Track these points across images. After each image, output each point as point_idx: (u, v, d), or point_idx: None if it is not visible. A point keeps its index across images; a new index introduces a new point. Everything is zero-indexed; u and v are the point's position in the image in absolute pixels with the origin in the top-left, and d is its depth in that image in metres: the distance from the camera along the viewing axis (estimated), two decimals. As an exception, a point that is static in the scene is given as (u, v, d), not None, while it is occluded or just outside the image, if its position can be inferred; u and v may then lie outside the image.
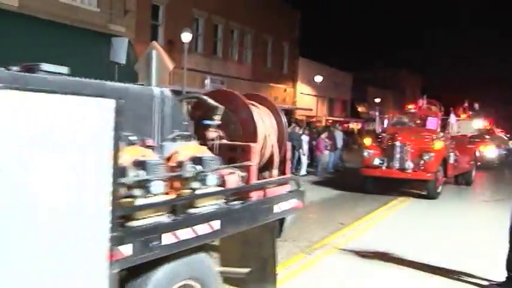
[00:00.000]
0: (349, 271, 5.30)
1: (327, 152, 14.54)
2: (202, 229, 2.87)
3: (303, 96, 31.17)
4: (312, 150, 14.90)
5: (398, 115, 13.06)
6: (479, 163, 15.02)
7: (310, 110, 29.52)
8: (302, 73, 30.40)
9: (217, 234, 3.00)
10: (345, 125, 28.85)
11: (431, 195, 11.02)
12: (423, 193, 11.37)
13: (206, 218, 2.92)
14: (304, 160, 14.49)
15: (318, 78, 28.52)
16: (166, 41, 18.52)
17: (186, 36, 15.47)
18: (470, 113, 15.84)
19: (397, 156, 11.31)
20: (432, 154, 11.05)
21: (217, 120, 3.39)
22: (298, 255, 5.92)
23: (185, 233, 2.74)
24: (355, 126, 34.07)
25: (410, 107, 13.07)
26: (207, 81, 20.67)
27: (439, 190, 11.31)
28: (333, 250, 6.15)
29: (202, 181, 2.91)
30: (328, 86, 32.86)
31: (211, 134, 3.36)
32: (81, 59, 11.57)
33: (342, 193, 11.32)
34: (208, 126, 3.37)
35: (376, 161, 11.44)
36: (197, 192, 2.86)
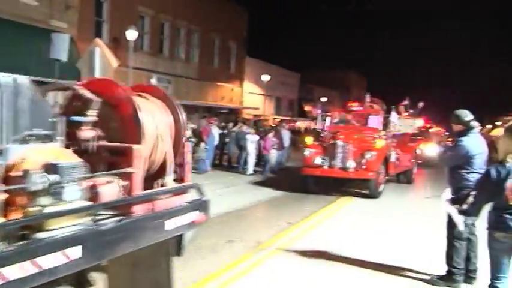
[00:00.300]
0: (295, 271, 5.27)
1: (274, 151, 14.16)
2: (52, 260, 2.23)
3: (250, 96, 30.62)
4: (259, 150, 14.62)
5: (341, 113, 12.60)
6: (419, 161, 14.68)
7: (257, 109, 29.12)
8: (249, 72, 29.92)
9: (78, 265, 2.36)
10: (292, 124, 28.34)
11: (373, 194, 10.66)
12: (365, 192, 11.07)
13: (59, 244, 2.28)
14: (251, 160, 14.09)
15: (265, 78, 28.16)
16: (111, 39, 17.95)
17: (132, 34, 15.03)
18: (411, 111, 15.54)
19: (339, 155, 10.87)
20: (374, 153, 10.64)
21: (91, 116, 2.52)
22: (245, 255, 5.83)
23: (19, 269, 2.05)
24: (302, 125, 33.67)
25: (353, 105, 12.54)
26: (153, 80, 19.80)
27: (380, 189, 10.97)
28: (280, 250, 6.09)
29: (57, 195, 2.06)
30: (276, 85, 32.48)
31: (85, 133, 2.52)
32: (20, 55, 10.85)
33: (287, 193, 11.00)
34: (80, 123, 2.49)
35: (318, 160, 10.92)
36: (48, 210, 1.98)
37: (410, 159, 13.28)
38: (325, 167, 10.90)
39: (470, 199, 3.88)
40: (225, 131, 15.73)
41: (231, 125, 16.85)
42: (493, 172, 3.47)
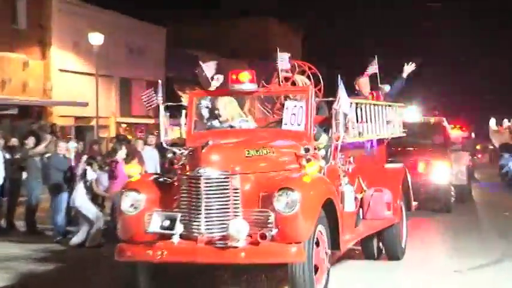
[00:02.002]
0: None
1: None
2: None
3: (66, 77, 29.06)
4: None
5: (218, 98, 9.64)
6: (416, 203, 12.04)
7: (84, 104, 27.99)
8: (61, 29, 28.52)
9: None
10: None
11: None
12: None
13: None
14: (89, 214, 13.05)
15: (96, 38, 27.11)
16: None
17: None
18: (387, 87, 12.18)
19: (208, 205, 7.83)
20: (296, 195, 7.72)
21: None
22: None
23: None
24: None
25: (244, 78, 9.20)
26: None
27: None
28: None
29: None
30: (120, 54, 31.82)
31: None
32: None
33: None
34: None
35: (155, 224, 7.91)
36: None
37: (396, 199, 10.77)
38: (175, 240, 7.93)
39: None
40: (17, 155, 15.11)
41: (30, 141, 15.58)
42: None
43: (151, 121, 30.68)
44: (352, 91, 10.71)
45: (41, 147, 15.13)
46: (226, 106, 9.22)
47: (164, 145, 8.99)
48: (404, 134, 12.37)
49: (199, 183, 7.61)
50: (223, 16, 48.03)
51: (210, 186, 7.63)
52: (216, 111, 9.23)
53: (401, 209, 11.17)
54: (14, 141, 16.16)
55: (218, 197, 7.67)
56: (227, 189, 7.69)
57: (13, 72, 26.15)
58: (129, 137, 24.15)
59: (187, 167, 7.92)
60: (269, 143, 8.53)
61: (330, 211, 8.26)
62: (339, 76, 8.72)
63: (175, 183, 8.10)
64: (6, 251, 12.58)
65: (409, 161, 14.46)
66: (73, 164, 14.04)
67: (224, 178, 7.71)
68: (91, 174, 13.00)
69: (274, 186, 7.74)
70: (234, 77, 9.08)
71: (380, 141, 11.33)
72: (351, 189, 9.15)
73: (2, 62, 25.62)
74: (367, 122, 10.04)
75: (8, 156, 14.60)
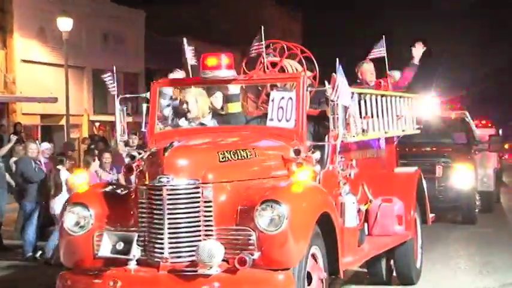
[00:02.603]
0: None
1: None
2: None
3: (30, 69, 28.98)
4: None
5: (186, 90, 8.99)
6: (433, 214, 11.49)
7: (53, 100, 27.82)
8: (25, 13, 28.32)
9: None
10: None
11: None
12: None
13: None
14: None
15: (65, 24, 26.51)
16: None
17: None
18: (396, 74, 11.50)
19: (167, 224, 7.16)
20: (283, 209, 7.03)
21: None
22: None
23: None
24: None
25: (213, 63, 8.39)
26: None
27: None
28: None
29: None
30: (93, 41, 31.91)
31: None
32: None
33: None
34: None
35: (106, 248, 7.27)
36: None
37: (408, 210, 10.18)
38: (131, 267, 7.27)
39: None
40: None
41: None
42: None
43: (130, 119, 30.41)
44: (354, 80, 10.22)
45: (4, 150, 15.00)
46: (198, 99, 8.52)
47: (121, 147, 8.37)
48: (418, 131, 11.75)
49: (161, 195, 6.95)
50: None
51: (175, 199, 6.97)
52: (185, 106, 8.55)
53: (415, 222, 10.55)
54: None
55: (185, 212, 7.00)
56: (197, 202, 7.01)
57: None
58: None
59: (147, 175, 7.24)
60: (250, 144, 7.89)
61: (326, 228, 7.62)
62: (338, 61, 8.06)
63: (133, 195, 7.46)
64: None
65: (424, 164, 14.12)
66: (44, 169, 13.84)
67: (193, 188, 7.02)
68: (64, 174, 12.74)
69: (256, 197, 7.07)
70: (207, 62, 8.40)
71: (389, 140, 10.73)
72: (352, 200, 8.46)
73: None
74: (372, 116, 9.33)
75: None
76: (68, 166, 12.99)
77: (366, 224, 9.32)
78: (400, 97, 10.48)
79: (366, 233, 9.31)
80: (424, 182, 11.12)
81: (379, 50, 10.67)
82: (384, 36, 10.53)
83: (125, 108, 8.49)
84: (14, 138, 16.42)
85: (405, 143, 12.51)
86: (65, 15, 26.77)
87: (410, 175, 10.90)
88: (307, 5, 54.71)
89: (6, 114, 26.33)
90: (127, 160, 7.99)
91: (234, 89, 8.62)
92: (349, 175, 8.70)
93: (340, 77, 7.94)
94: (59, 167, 13.13)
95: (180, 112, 8.69)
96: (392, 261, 10.56)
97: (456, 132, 18.40)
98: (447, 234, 15.30)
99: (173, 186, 6.97)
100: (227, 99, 8.50)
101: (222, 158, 7.42)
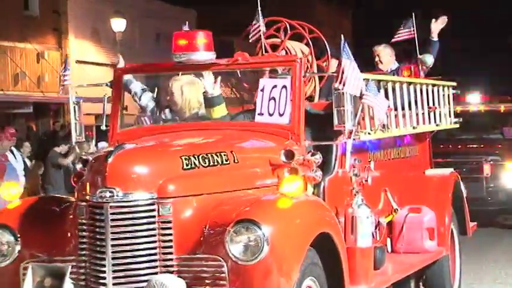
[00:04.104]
0: None
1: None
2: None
3: (85, 69, 26.45)
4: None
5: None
6: (474, 223, 9.71)
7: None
8: (79, 14, 27.12)
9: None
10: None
11: None
12: None
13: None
14: None
15: (118, 24, 25.88)
16: None
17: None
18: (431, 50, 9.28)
19: (111, 252, 5.19)
20: (262, 231, 5.11)
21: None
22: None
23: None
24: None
25: (186, 42, 6.54)
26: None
27: None
28: None
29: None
30: (146, 41, 30.26)
31: None
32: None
33: None
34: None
35: (30, 284, 5.28)
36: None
37: (442, 221, 8.23)
38: None
39: None
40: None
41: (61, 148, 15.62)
42: None
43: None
44: (374, 66, 8.63)
45: (70, 158, 14.50)
46: (185, 89, 6.38)
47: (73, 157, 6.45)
48: (457, 125, 9.84)
49: (103, 214, 5.04)
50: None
51: (120, 219, 5.05)
52: (169, 97, 6.49)
53: (451, 235, 8.68)
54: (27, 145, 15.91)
55: (135, 237, 5.10)
56: (151, 223, 5.11)
57: (27, 64, 25.13)
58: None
59: (87, 188, 5.29)
60: (229, 145, 5.89)
61: (327, 250, 5.65)
62: (343, 38, 5.98)
63: (71, 214, 5.51)
64: None
65: (469, 163, 13.29)
66: None
67: (145, 205, 5.11)
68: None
69: (229, 216, 5.14)
70: (179, 41, 6.39)
71: (420, 137, 8.75)
72: (367, 212, 6.40)
73: (14, 53, 24.44)
74: (396, 109, 7.39)
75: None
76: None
77: (388, 240, 7.44)
78: (434, 85, 8.47)
79: (389, 250, 7.43)
80: (462, 185, 9.22)
81: (408, 31, 8.70)
82: (413, 14, 8.55)
83: (81, 100, 6.60)
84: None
85: (443, 140, 11.14)
86: (118, 16, 26.23)
87: (444, 178, 8.89)
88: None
89: (62, 115, 25.45)
90: (79, 167, 6.10)
91: (214, 88, 6.44)
92: (366, 180, 6.77)
93: (346, 59, 5.95)
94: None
95: (163, 104, 6.72)
96: (421, 283, 8.77)
97: (506, 126, 16.72)
98: (495, 243, 13.73)
99: (118, 202, 5.03)
100: (209, 103, 6.46)
101: (187, 165, 5.41)
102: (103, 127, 6.82)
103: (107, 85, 6.70)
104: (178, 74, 6.50)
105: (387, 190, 7.47)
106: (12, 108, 23.48)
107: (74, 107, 6.61)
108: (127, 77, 6.57)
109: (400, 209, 7.62)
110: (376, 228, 6.78)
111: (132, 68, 6.97)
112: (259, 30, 7.11)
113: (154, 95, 6.73)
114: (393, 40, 9.01)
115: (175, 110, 6.43)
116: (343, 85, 5.79)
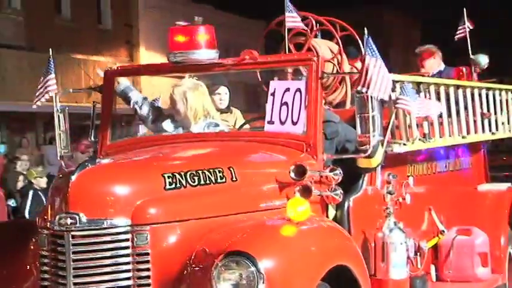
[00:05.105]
0: None
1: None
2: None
3: (155, 80, 26.62)
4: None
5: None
6: None
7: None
8: (149, 26, 26.58)
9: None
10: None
11: None
12: None
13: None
14: None
15: None
16: None
17: None
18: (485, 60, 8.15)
19: None
20: (256, 268, 3.88)
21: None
22: None
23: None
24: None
25: (184, 38, 5.25)
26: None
27: None
28: None
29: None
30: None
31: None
32: None
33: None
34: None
35: None
36: None
37: (497, 244, 7.03)
38: None
39: None
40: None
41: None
42: None
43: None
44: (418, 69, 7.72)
45: None
46: (189, 96, 5.16)
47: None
48: None
49: (64, 245, 3.96)
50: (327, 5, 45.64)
51: (85, 251, 3.96)
52: (171, 105, 5.32)
53: (508, 260, 7.24)
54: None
55: (104, 273, 3.97)
56: (124, 255, 4.01)
57: (100, 78, 25.09)
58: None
59: (49, 213, 4.16)
60: (228, 160, 4.68)
61: (347, 285, 4.43)
62: (366, 30, 4.78)
63: (34, 243, 4.40)
64: None
65: None
66: None
67: (116, 234, 4.01)
68: None
69: (218, 247, 3.98)
70: (177, 38, 5.19)
71: (474, 148, 7.45)
72: (401, 238, 5.15)
73: (88, 66, 24.15)
74: (441, 116, 6.13)
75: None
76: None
77: (433, 267, 6.15)
78: (489, 89, 7.14)
79: (434, 278, 6.15)
80: None
81: (461, 29, 7.43)
82: (464, 9, 7.23)
83: (66, 108, 5.42)
84: None
85: (505, 152, 10.07)
86: (187, 28, 25.75)
87: (500, 194, 7.42)
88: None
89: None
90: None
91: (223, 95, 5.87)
92: (404, 199, 5.61)
93: (370, 57, 4.75)
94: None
95: (163, 113, 5.61)
96: None
97: None
98: None
99: (82, 230, 3.94)
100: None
101: (171, 184, 4.24)
102: (90, 138, 5.66)
103: (95, 90, 5.75)
104: (179, 78, 5.41)
105: (431, 209, 6.22)
106: (87, 120, 23.24)
107: (58, 115, 5.39)
108: (125, 84, 5.50)
109: (448, 230, 6.35)
110: (416, 254, 5.59)
111: (124, 70, 5.98)
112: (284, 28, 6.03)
113: (159, 103, 5.73)
114: (456, 37, 7.85)
115: (178, 120, 5.30)
116: (367, 87, 4.66)
